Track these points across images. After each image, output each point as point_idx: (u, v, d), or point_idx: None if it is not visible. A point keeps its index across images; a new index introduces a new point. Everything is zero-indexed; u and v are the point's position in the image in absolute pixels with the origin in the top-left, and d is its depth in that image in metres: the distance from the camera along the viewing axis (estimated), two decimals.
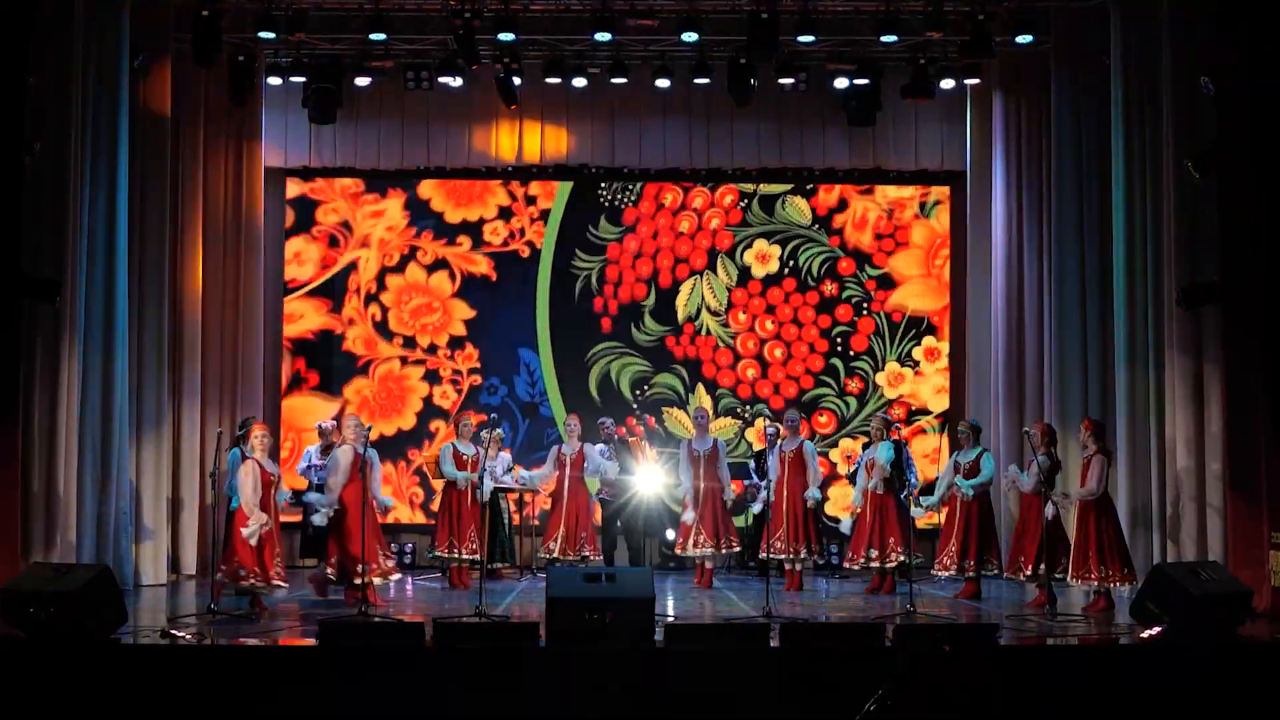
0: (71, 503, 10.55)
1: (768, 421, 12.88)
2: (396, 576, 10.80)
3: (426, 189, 14.53)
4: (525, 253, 14.51)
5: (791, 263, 14.56)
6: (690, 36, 12.27)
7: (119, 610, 8.67)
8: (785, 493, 11.81)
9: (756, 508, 12.80)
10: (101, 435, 11.08)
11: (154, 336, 12.29)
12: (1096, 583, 10.29)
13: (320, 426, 12.92)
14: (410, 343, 14.48)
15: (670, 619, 9.59)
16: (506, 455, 13.08)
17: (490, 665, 7.62)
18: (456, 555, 11.75)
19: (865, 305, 14.50)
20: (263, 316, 13.74)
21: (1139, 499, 11.18)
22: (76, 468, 10.67)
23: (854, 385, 14.44)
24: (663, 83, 13.37)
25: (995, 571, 11.36)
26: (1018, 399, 13.26)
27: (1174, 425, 10.74)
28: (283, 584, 10.18)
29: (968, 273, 14.08)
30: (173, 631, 8.61)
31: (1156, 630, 8.61)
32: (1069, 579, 10.45)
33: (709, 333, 14.55)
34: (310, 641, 8.32)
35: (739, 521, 13.06)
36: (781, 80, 13.38)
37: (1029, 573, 10.68)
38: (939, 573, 11.48)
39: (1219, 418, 10.33)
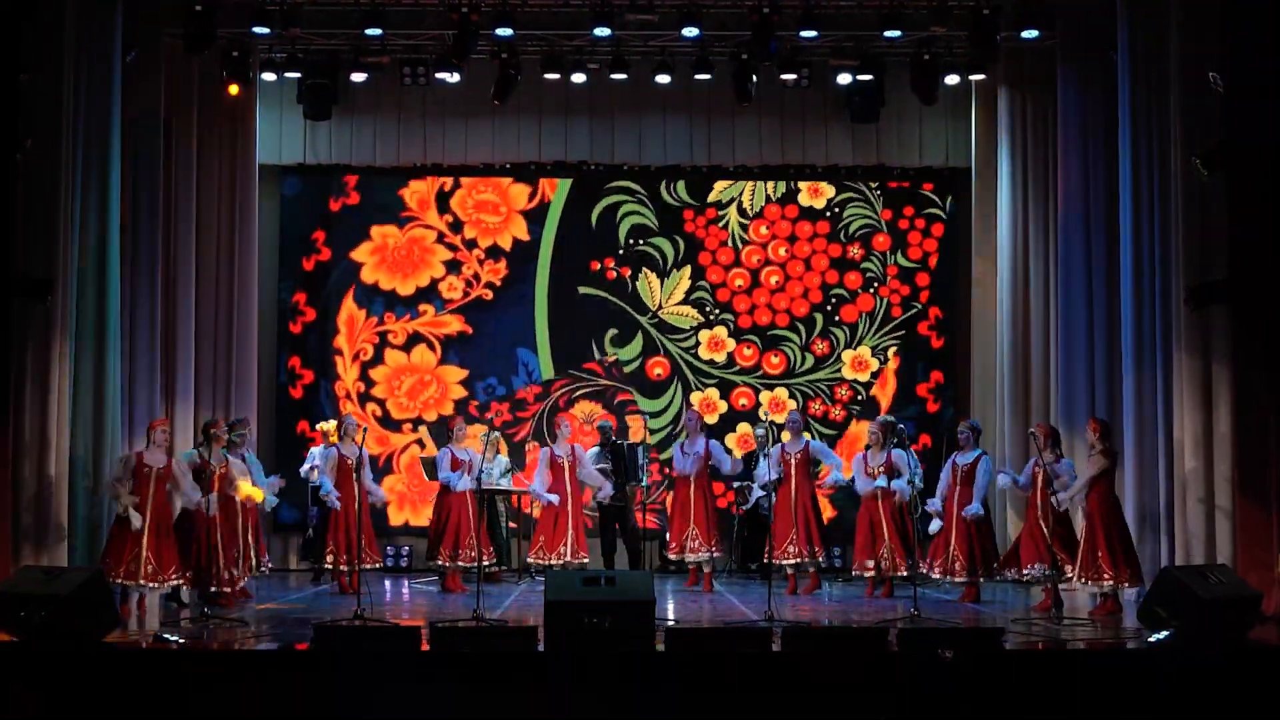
0: (63, 505, 10.56)
1: (760, 425, 12.90)
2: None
3: (368, 273, 14.50)
4: (489, 295, 14.51)
5: (837, 210, 14.59)
6: (691, 32, 12.29)
7: (112, 613, 8.68)
8: (795, 496, 11.75)
9: (763, 506, 12.76)
10: (94, 437, 11.09)
11: (147, 337, 12.32)
12: (1110, 583, 10.30)
13: (323, 429, 12.96)
14: (418, 423, 14.46)
15: (671, 623, 9.60)
16: (504, 458, 13.09)
17: (488, 670, 7.63)
18: (455, 564, 11.74)
19: (875, 284, 14.52)
20: (257, 316, 13.76)
21: (1146, 501, 11.19)
22: (68, 470, 10.68)
23: (820, 346, 14.51)
24: (663, 79, 13.38)
25: (997, 576, 11.36)
26: (1023, 400, 13.28)
27: (1182, 426, 10.74)
28: (155, 584, 10.00)
29: (973, 271, 14.10)
30: (165, 635, 8.61)
31: (1164, 634, 8.61)
32: (1075, 581, 10.46)
33: (726, 226, 14.57)
34: (304, 646, 8.33)
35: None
36: (784, 76, 13.39)
37: (1015, 573, 10.75)
38: (937, 576, 11.49)
39: (1227, 418, 10.32)
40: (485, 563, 11.78)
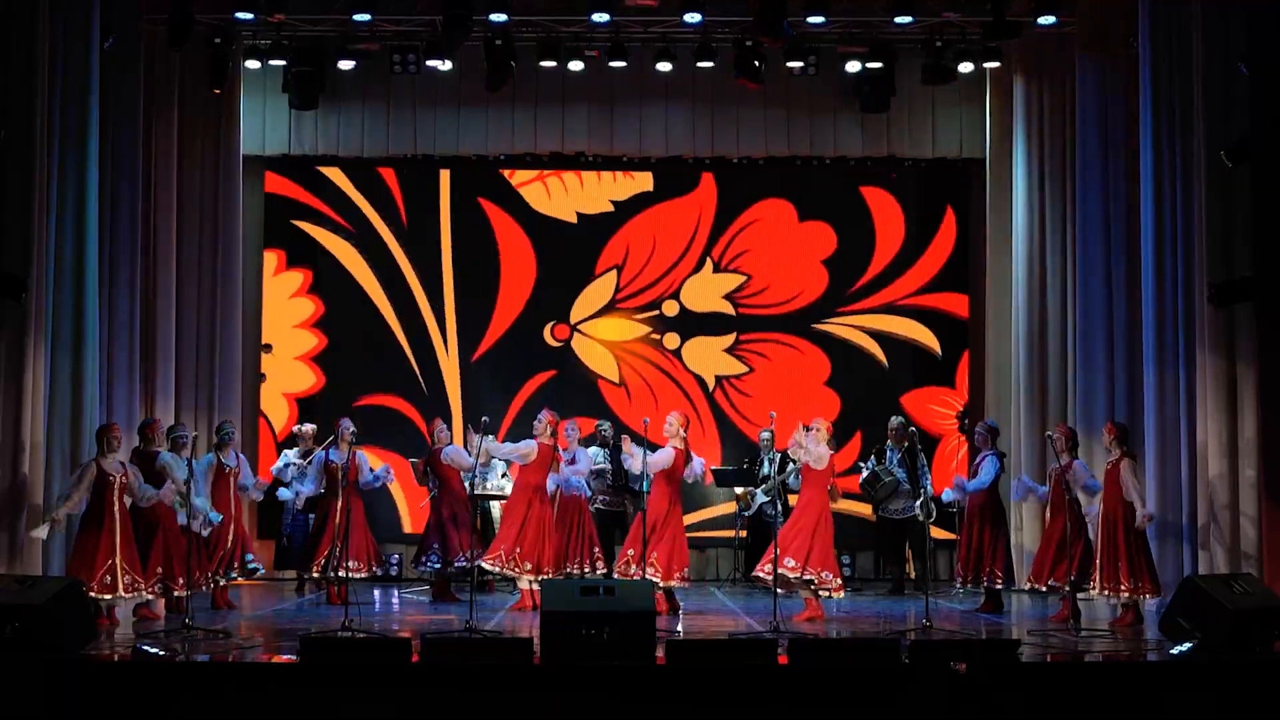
0: (38, 511, 10.54)
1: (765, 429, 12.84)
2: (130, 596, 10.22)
3: None
4: None
5: None
6: (693, 17, 12.26)
7: (88, 624, 8.66)
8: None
9: (766, 513, 12.70)
10: (71, 439, 11.06)
11: (126, 335, 12.29)
12: (1128, 595, 10.29)
13: (298, 430, 12.94)
14: None
15: (677, 633, 9.59)
16: (499, 462, 13.06)
17: (481, 683, 7.61)
18: (454, 565, 11.72)
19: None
20: (241, 314, 13.74)
21: (1168, 507, 11.17)
22: (44, 474, 10.66)
23: None
24: (664, 66, 13.35)
25: (1000, 584, 11.34)
26: (1040, 401, 13.25)
27: (1205, 429, 10.72)
28: (129, 596, 9.99)
29: (987, 267, 14.08)
30: (144, 647, 8.60)
31: (1187, 646, 8.60)
32: (1093, 591, 10.45)
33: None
34: (290, 658, 8.32)
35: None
36: (790, 64, 13.36)
37: (1047, 584, 10.71)
38: (957, 585, 11.49)
39: (1253, 421, 10.31)
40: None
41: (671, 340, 14.45)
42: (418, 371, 14.34)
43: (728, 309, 14.47)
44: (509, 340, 14.42)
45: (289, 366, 14.40)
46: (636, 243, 14.49)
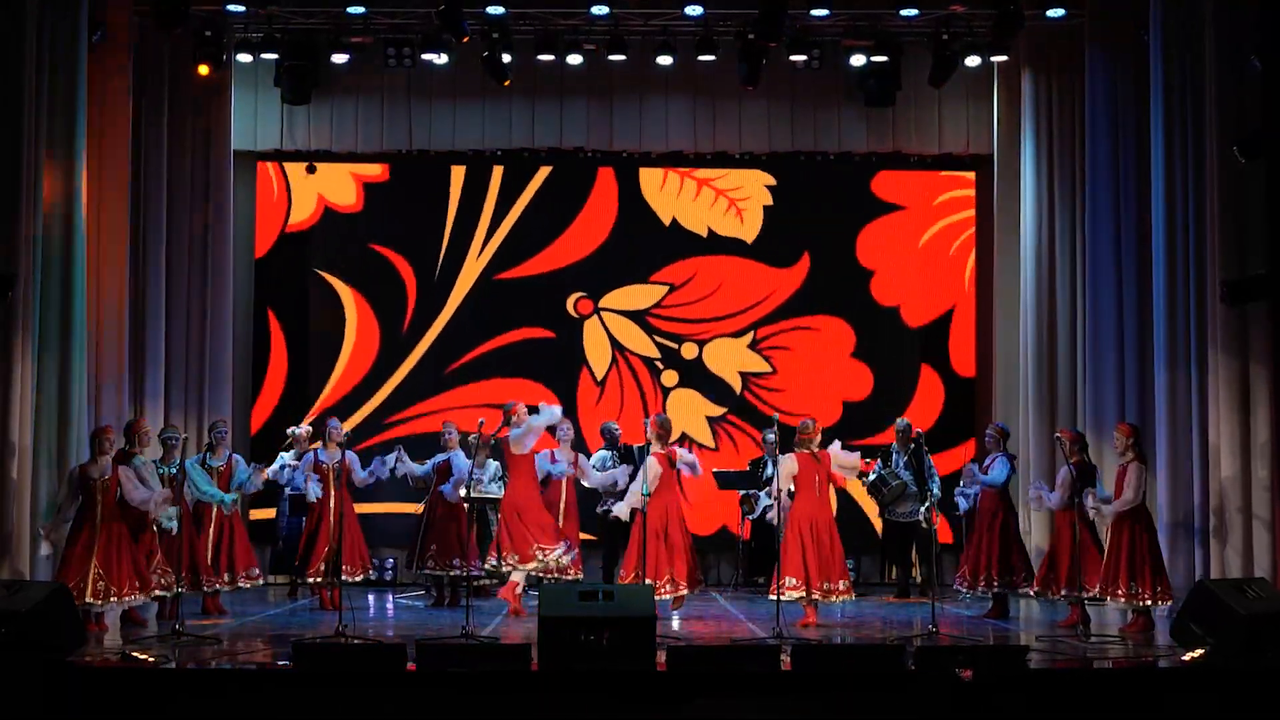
0: (25, 514, 10.55)
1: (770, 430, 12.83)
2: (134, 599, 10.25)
3: None
4: None
5: None
6: (694, 10, 12.28)
7: (76, 630, 8.66)
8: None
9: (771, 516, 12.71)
10: (58, 441, 11.07)
11: (114, 335, 12.29)
12: (1123, 600, 10.29)
13: (292, 432, 12.94)
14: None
15: (677, 639, 9.60)
16: (494, 462, 13.06)
17: (478, 690, 7.62)
18: (442, 571, 11.75)
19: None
20: (232, 313, 13.73)
21: (1180, 510, 11.18)
22: (30, 476, 10.66)
23: None
24: (665, 60, 13.37)
25: (1023, 589, 11.33)
26: (1049, 403, 13.25)
27: (1218, 431, 10.74)
28: (114, 601, 9.98)
29: (994, 265, 14.09)
30: (134, 653, 8.61)
31: (1199, 652, 8.61)
32: (1100, 596, 10.45)
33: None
34: (283, 664, 8.33)
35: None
36: (793, 58, 13.36)
37: (1062, 592, 10.68)
38: (963, 589, 11.49)
39: (1266, 423, 10.32)
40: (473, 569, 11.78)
41: (669, 378, 14.41)
42: (441, 255, 14.37)
43: (736, 385, 14.41)
44: (534, 284, 14.41)
45: (339, 178, 14.46)
46: (704, 277, 14.44)
